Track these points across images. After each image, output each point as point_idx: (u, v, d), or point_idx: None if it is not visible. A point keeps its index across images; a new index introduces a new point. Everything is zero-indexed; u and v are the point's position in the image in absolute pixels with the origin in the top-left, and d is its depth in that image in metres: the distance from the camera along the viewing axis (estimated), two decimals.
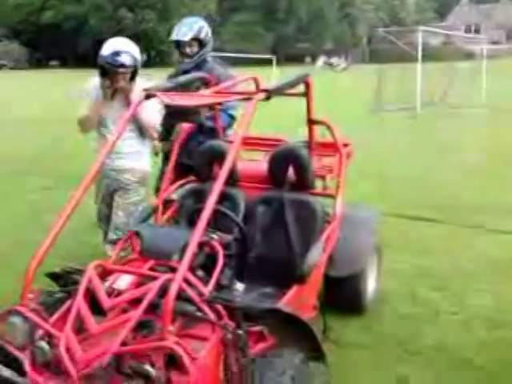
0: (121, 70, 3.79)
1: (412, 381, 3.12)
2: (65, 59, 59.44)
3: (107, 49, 3.82)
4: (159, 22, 57.41)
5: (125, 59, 3.78)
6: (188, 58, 4.31)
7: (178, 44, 4.31)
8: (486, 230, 5.63)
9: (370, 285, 3.89)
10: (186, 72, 4.09)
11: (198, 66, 4.27)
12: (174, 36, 4.28)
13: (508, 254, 5.00)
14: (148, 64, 58.57)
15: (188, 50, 4.28)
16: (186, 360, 2.15)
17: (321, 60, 54.09)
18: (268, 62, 25.37)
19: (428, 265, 4.73)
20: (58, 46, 57.95)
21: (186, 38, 4.23)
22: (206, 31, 4.31)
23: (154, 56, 63.73)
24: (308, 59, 59.39)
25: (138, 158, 4.02)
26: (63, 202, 2.67)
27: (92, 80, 4.13)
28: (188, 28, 4.25)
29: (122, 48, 3.80)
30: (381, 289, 4.06)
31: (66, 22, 56.73)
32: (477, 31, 60.45)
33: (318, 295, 3.41)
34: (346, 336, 3.56)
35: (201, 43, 4.28)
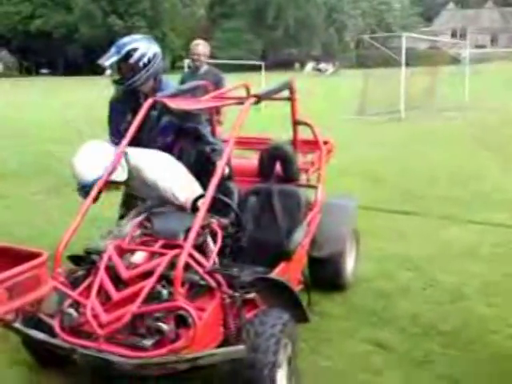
0: None
1: (388, 344, 3.60)
2: (55, 67, 59.46)
3: None
4: (150, 30, 57.61)
5: None
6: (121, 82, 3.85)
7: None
8: (457, 221, 6.19)
9: (349, 265, 4.40)
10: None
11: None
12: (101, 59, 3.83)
13: (474, 239, 5.58)
14: None
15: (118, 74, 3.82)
16: (194, 316, 2.64)
17: (309, 66, 54.86)
18: (257, 68, 25.89)
19: (403, 250, 5.27)
20: (48, 54, 57.97)
21: (107, 63, 3.77)
22: (141, 54, 3.78)
23: None
24: (297, 65, 60.10)
25: None
26: None
27: None
28: (115, 51, 3.79)
29: None
30: (359, 270, 4.57)
31: (55, 30, 56.76)
32: (462, 35, 61.28)
33: (303, 273, 3.93)
34: (328, 309, 4.06)
35: (133, 68, 3.77)
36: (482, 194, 7.33)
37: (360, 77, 19.50)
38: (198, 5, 67.23)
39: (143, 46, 3.80)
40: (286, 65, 56.11)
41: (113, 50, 3.77)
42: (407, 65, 18.01)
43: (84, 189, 3.29)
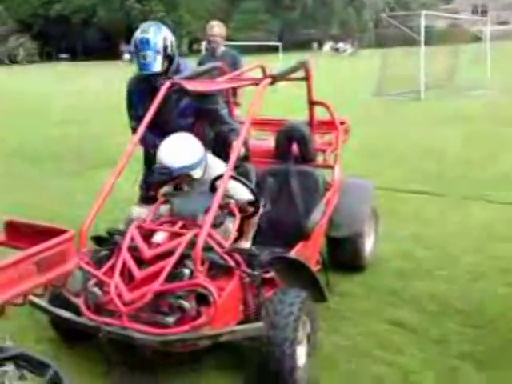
0: None
1: (407, 323, 3.63)
2: (74, 52, 59.72)
3: None
4: (167, 13, 57.38)
5: None
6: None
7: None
8: (476, 201, 6.16)
9: (368, 245, 4.42)
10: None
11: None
12: (141, 68, 3.87)
13: (494, 219, 5.56)
14: None
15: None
16: (215, 294, 2.70)
17: (327, 45, 54.34)
18: (275, 49, 25.78)
19: (422, 230, 5.27)
20: (67, 38, 58.14)
21: (157, 70, 3.84)
22: (164, 44, 3.87)
23: None
24: (315, 45, 59.56)
25: None
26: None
27: None
28: (150, 50, 3.81)
29: None
30: (379, 250, 4.58)
31: (74, 15, 56.76)
32: (484, 12, 60.17)
33: (321, 254, 3.97)
34: (348, 289, 4.10)
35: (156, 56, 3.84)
36: (501, 174, 7.24)
37: (378, 56, 19.30)
38: None
39: (162, 34, 3.90)
40: (303, 45, 55.63)
41: (145, 49, 3.80)
42: (427, 43, 17.73)
43: (171, 174, 3.37)
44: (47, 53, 59.34)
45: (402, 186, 6.75)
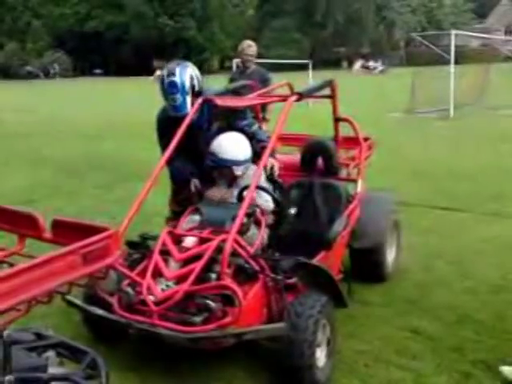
0: None
1: (423, 331, 3.77)
2: (107, 67, 60.85)
3: None
4: (199, 30, 58.08)
5: None
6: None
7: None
8: (499, 217, 6.25)
9: (390, 257, 4.56)
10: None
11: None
12: (173, 111, 3.97)
13: None
14: None
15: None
16: (240, 295, 2.89)
17: (358, 64, 54.54)
18: (305, 67, 26.02)
19: (444, 244, 5.39)
20: (101, 54, 59.27)
21: (184, 111, 3.90)
22: (191, 76, 3.96)
23: (194, 62, 64.36)
24: (345, 63, 59.77)
25: None
26: None
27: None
28: (181, 98, 3.91)
29: None
30: (400, 262, 4.72)
31: (108, 31, 57.93)
32: None
33: (343, 264, 4.13)
34: (367, 297, 4.24)
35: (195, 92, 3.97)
36: None
37: (409, 75, 19.41)
38: (247, 4, 67.60)
39: (188, 73, 3.95)
40: (334, 63, 55.90)
41: (174, 92, 3.88)
42: (458, 63, 17.78)
43: (218, 163, 3.74)
44: (81, 68, 60.57)
45: (426, 202, 6.87)
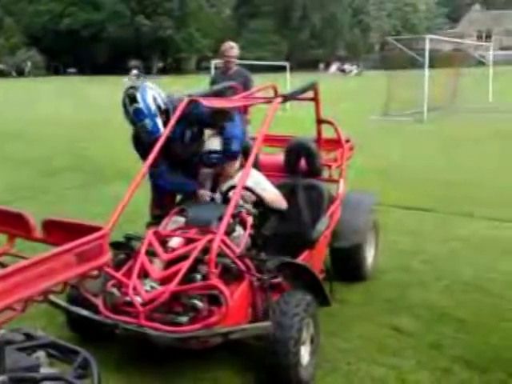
0: None
1: (403, 328, 3.85)
2: (82, 66, 60.08)
3: None
4: (176, 30, 57.67)
5: None
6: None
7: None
8: (475, 218, 6.40)
9: (370, 256, 4.65)
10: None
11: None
12: (148, 137, 3.87)
13: (492, 235, 5.80)
14: (164, 71, 59.25)
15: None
16: (226, 294, 2.92)
17: (334, 66, 55.04)
18: (283, 69, 26.12)
19: (420, 245, 5.50)
20: (75, 53, 58.40)
21: (158, 134, 3.80)
22: (154, 97, 3.85)
23: (171, 63, 63.80)
24: (321, 65, 60.19)
25: None
26: None
27: None
28: (150, 122, 3.82)
29: None
30: (378, 262, 4.81)
31: (83, 29, 56.92)
32: (488, 37, 60.80)
33: (325, 263, 4.20)
34: (348, 296, 4.32)
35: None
36: (500, 193, 7.49)
37: (384, 78, 19.66)
38: (224, 3, 67.43)
39: (149, 95, 3.83)
40: (310, 65, 56.18)
41: (142, 119, 3.80)
42: (431, 66, 18.07)
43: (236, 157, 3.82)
44: (55, 67, 59.69)
45: (403, 203, 6.99)
